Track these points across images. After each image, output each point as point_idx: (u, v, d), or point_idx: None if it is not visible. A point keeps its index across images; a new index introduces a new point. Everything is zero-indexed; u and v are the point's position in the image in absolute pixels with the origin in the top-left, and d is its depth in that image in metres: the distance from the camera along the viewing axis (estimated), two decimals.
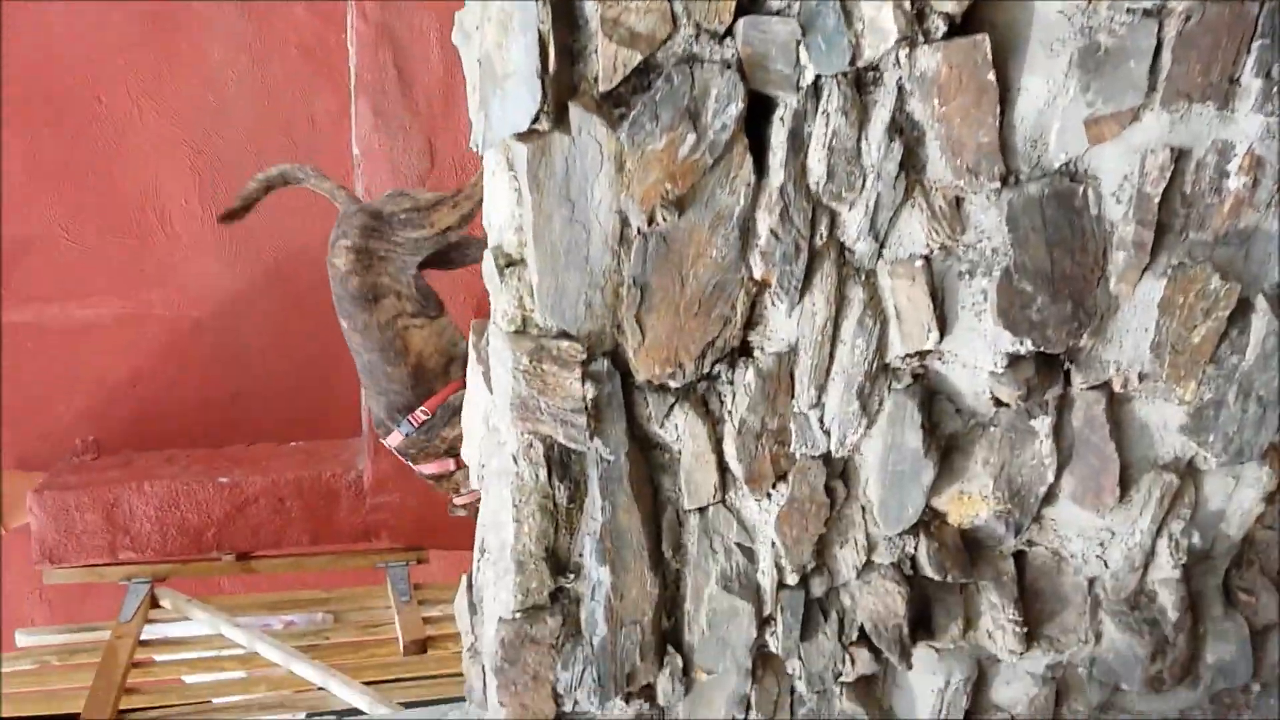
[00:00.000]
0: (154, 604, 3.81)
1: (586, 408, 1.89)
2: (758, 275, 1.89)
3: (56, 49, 3.84)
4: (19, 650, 3.61)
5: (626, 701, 2.15)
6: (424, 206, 2.88)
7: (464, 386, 2.29)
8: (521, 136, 1.76)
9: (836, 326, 1.95)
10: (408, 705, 3.24)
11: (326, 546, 4.04)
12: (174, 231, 4.04)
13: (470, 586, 2.32)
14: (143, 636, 3.62)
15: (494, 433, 2.02)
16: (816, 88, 1.79)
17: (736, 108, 1.76)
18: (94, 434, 4.12)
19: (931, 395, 2.03)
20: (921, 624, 2.22)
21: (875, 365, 1.97)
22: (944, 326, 1.95)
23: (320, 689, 3.35)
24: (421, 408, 2.94)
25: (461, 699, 3.23)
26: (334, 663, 3.47)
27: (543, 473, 1.96)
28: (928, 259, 1.91)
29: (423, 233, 2.86)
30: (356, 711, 3.27)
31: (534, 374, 1.87)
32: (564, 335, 1.88)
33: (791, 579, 2.11)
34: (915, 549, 2.14)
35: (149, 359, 4.13)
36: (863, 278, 1.93)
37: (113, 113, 3.93)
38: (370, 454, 3.89)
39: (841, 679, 2.22)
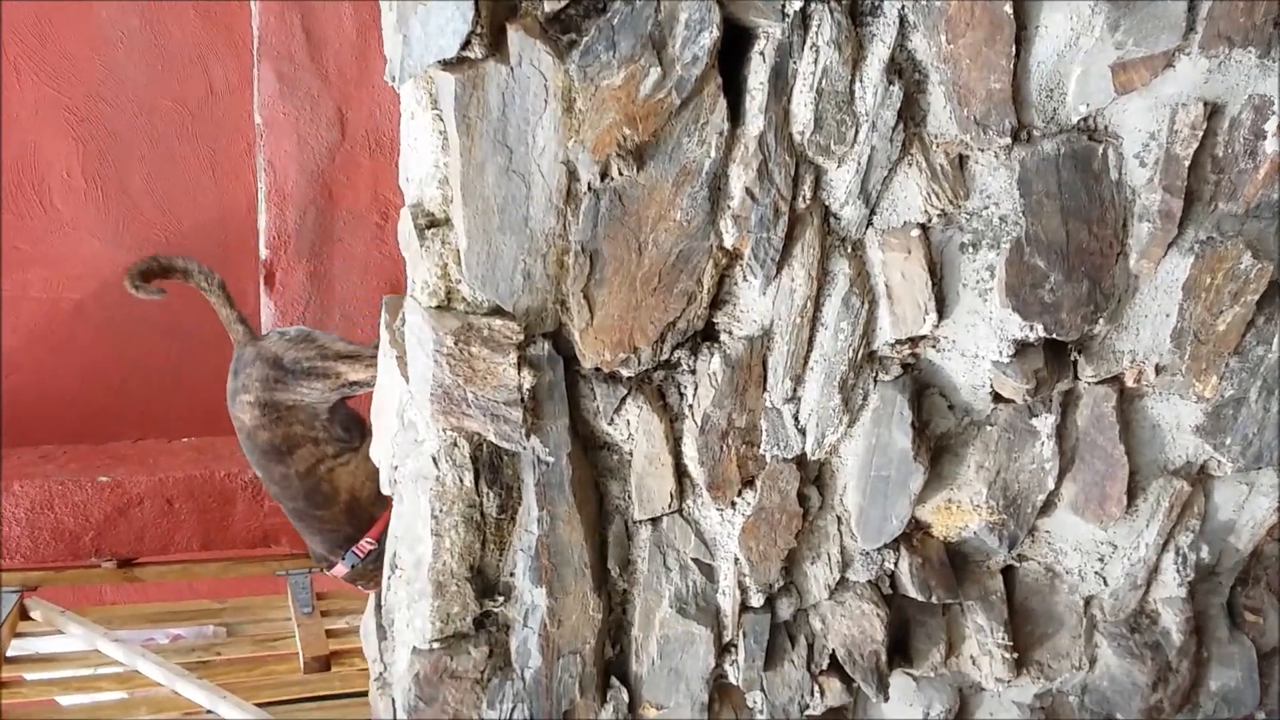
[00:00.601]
0: (23, 615, 3.33)
1: (523, 399, 1.52)
2: (729, 243, 1.55)
3: None
4: None
5: None
6: (331, 356, 2.53)
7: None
8: (448, 65, 1.39)
9: (818, 307, 1.61)
10: None
11: (220, 552, 3.59)
12: (53, 206, 3.56)
13: (379, 607, 1.94)
14: (9, 653, 3.16)
15: (409, 429, 1.65)
16: (805, 16, 1.45)
17: (710, 36, 1.41)
18: None
19: (922, 389, 1.71)
20: (898, 649, 1.90)
21: (860, 353, 1.64)
22: (942, 308, 1.62)
23: (209, 713, 2.92)
24: (366, 538, 2.67)
25: None
26: (226, 682, 3.05)
27: (468, 477, 1.59)
28: (925, 228, 1.59)
29: (328, 383, 2.52)
30: None
31: (460, 359, 1.50)
32: (497, 312, 1.51)
33: (756, 600, 1.77)
34: (896, 565, 1.82)
35: (24, 345, 3.64)
36: (849, 249, 1.60)
37: None
38: None
39: (808, 712, 1.89)
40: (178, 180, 3.60)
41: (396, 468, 1.75)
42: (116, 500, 3.43)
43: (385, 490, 1.86)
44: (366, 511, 2.67)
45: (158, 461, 3.54)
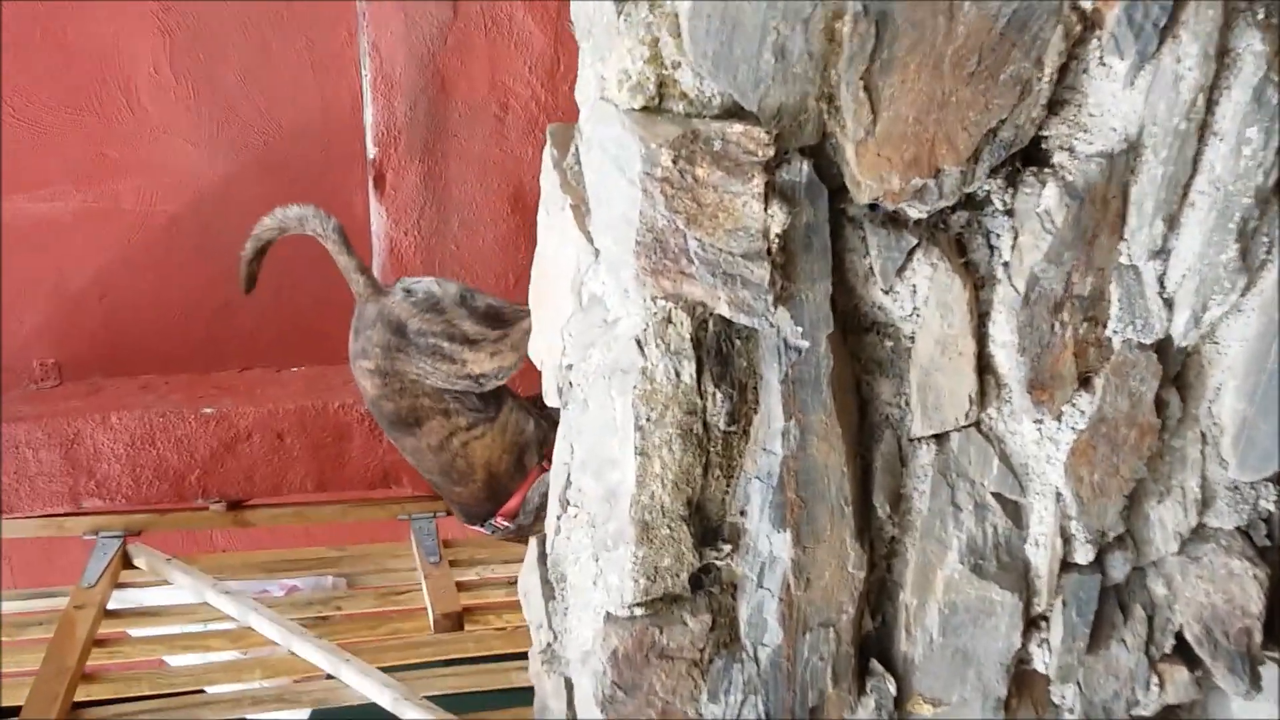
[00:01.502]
0: (126, 564, 2.96)
1: (770, 250, 1.00)
2: (1087, 1, 0.99)
3: None
4: None
5: None
6: (458, 338, 2.25)
7: (543, 472, 2.16)
8: None
9: (1210, 104, 1.05)
10: (441, 701, 2.39)
11: (336, 494, 3.16)
12: (141, 107, 3.13)
13: (544, 557, 1.46)
14: (111, 605, 2.78)
15: (593, 308, 1.14)
16: None
17: None
18: (54, 355, 3.25)
19: None
20: (1268, 628, 1.34)
21: (1273, 178, 1.07)
22: None
23: (328, 677, 2.50)
24: (501, 520, 2.52)
25: (513, 694, 2.39)
26: (347, 641, 2.62)
27: (688, 369, 1.07)
28: None
29: (452, 368, 2.27)
30: (377, 708, 2.42)
31: (680, 185, 0.97)
32: (734, 113, 0.98)
33: (1083, 554, 1.22)
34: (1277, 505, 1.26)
35: (118, 264, 3.24)
36: (1260, 16, 1.03)
37: None
38: None
39: (1136, 711, 1.34)
40: (274, 74, 3.14)
41: (570, 366, 1.24)
42: (223, 434, 3.01)
43: (551, 401, 1.36)
44: (505, 487, 2.48)
45: (266, 392, 3.12)
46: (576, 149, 1.14)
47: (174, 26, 3.13)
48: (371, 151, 3.00)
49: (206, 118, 3.19)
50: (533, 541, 1.55)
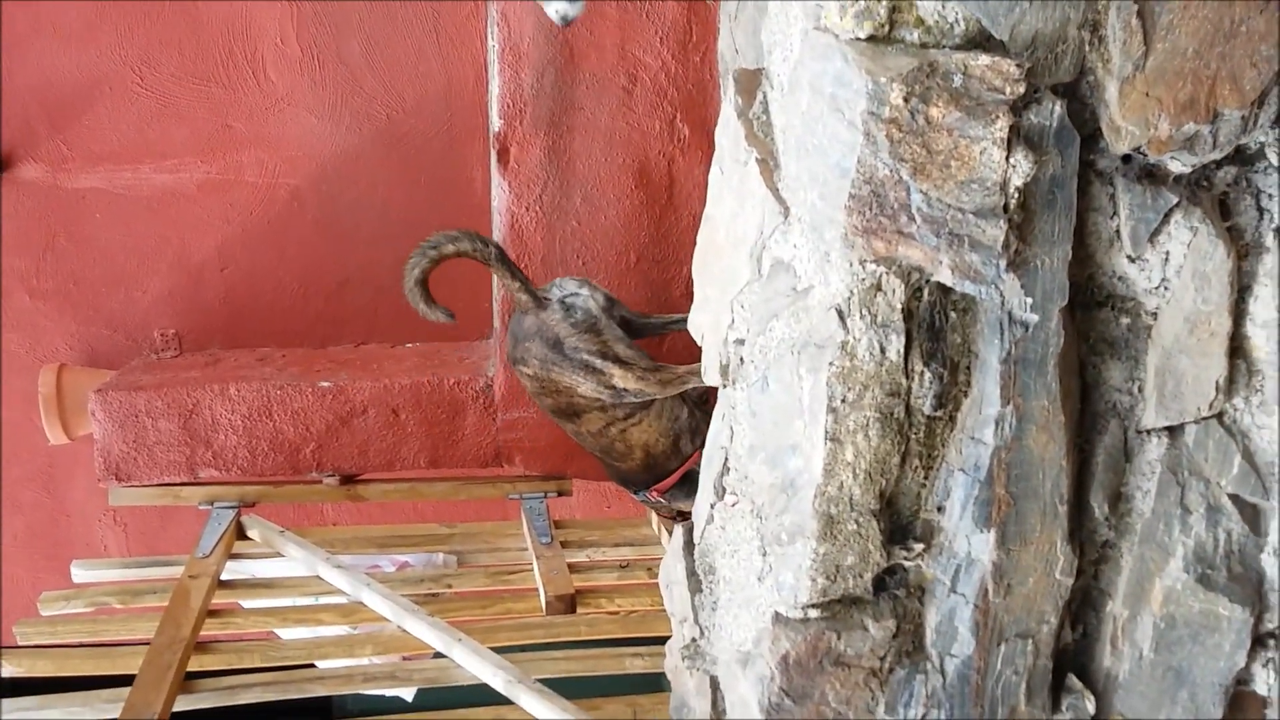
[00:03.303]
0: (240, 535, 2.89)
1: (1008, 206, 0.84)
2: None
3: None
4: (73, 588, 2.73)
5: None
6: (611, 357, 2.35)
7: (699, 462, 2.07)
8: None
9: None
10: (553, 685, 2.27)
11: (448, 471, 3.06)
12: (267, 79, 3.05)
13: (690, 545, 1.31)
14: (224, 575, 2.71)
15: (777, 275, 0.99)
16: None
17: None
18: (174, 326, 3.19)
19: None
20: None
21: None
22: None
23: (438, 655, 2.39)
24: (655, 494, 2.60)
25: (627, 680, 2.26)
26: (458, 620, 2.51)
27: (896, 344, 0.91)
28: None
29: (594, 380, 2.37)
30: (486, 689, 2.31)
31: (909, 128, 0.82)
32: (978, 43, 0.82)
33: None
34: None
35: (240, 236, 3.17)
36: None
37: None
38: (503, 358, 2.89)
39: None
40: (399, 45, 3.04)
41: (742, 341, 1.09)
42: (338, 409, 2.93)
43: (712, 379, 1.21)
44: (663, 466, 2.54)
45: (382, 367, 3.03)
46: (765, 97, 0.99)
47: None
48: (496, 124, 2.87)
49: (331, 90, 3.10)
50: (678, 529, 1.41)
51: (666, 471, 2.55)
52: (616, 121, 2.90)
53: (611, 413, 2.45)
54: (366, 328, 3.27)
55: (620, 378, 2.36)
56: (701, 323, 1.21)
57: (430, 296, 2.41)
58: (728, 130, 1.05)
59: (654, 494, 2.59)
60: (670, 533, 2.22)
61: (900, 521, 1.01)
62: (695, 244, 1.25)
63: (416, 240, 3.19)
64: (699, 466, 1.79)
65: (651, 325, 2.50)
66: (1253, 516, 1.04)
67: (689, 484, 2.47)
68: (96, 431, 2.94)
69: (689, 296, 1.39)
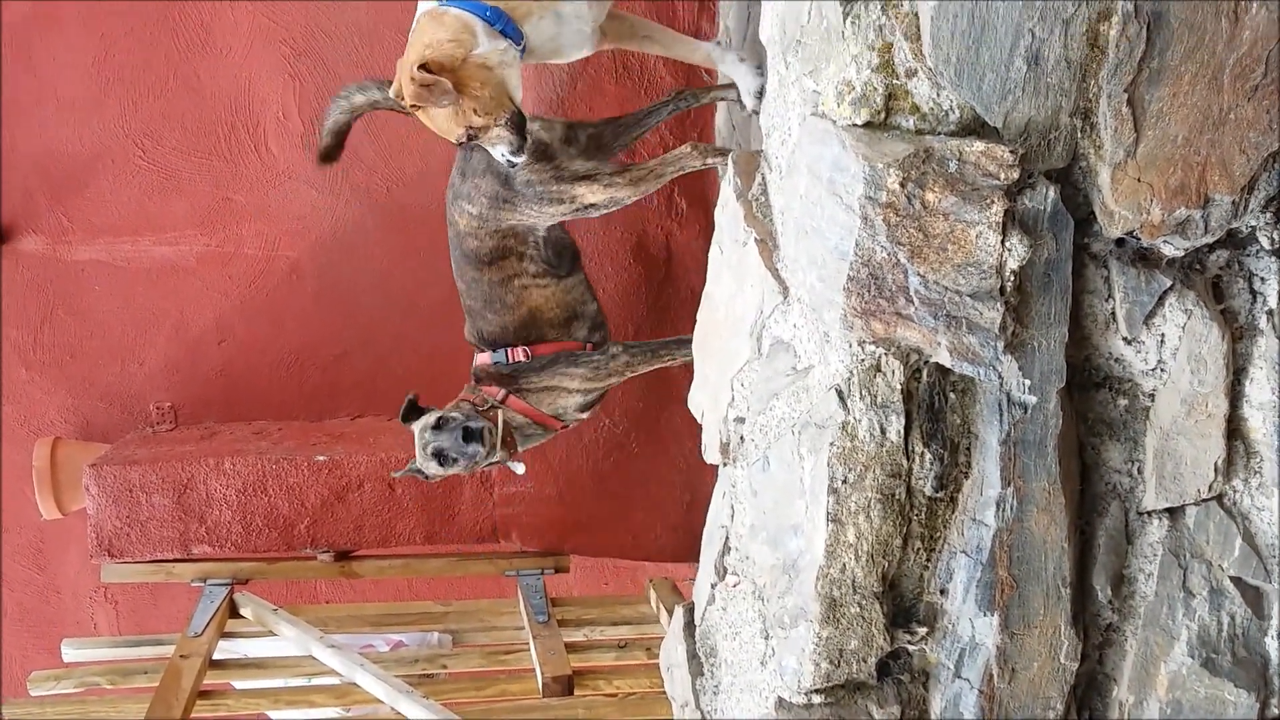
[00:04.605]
0: (233, 613, 2.87)
1: (1004, 288, 0.86)
2: None
3: None
4: (63, 667, 2.71)
5: None
6: (568, 178, 2.29)
7: (581, 350, 2.27)
8: None
9: None
10: None
11: (445, 547, 3.04)
12: (269, 152, 3.11)
13: (691, 626, 1.31)
14: (215, 655, 2.68)
15: (778, 355, 1.00)
16: None
17: None
18: (171, 399, 3.20)
19: None
20: None
21: None
22: None
23: None
24: (525, 348, 2.49)
25: None
26: (453, 701, 2.49)
27: (896, 425, 0.93)
28: None
29: (560, 208, 2.31)
30: None
31: (906, 212, 0.84)
32: (973, 129, 0.85)
33: None
34: None
35: (239, 309, 3.20)
36: None
37: (198, 3, 3.01)
38: None
39: None
40: (399, 120, 3.09)
41: (742, 419, 1.11)
42: (334, 483, 2.93)
43: (711, 458, 1.22)
44: (539, 331, 2.48)
45: (379, 441, 3.03)
46: (764, 178, 1.02)
47: (304, 72, 3.09)
48: None
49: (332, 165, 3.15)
50: (678, 610, 1.41)
51: (540, 337, 2.50)
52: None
53: (525, 265, 2.42)
54: (364, 400, 3.28)
55: (587, 193, 2.30)
56: (701, 400, 1.22)
57: (340, 147, 2.43)
58: (727, 210, 1.07)
59: (518, 354, 2.50)
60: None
61: (903, 604, 1.02)
62: (693, 316, 1.27)
63: (416, 313, 3.23)
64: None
65: (625, 125, 2.42)
66: (1255, 599, 1.04)
67: (550, 373, 2.46)
68: (90, 506, 2.93)
69: (685, 370, 1.40)
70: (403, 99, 1.93)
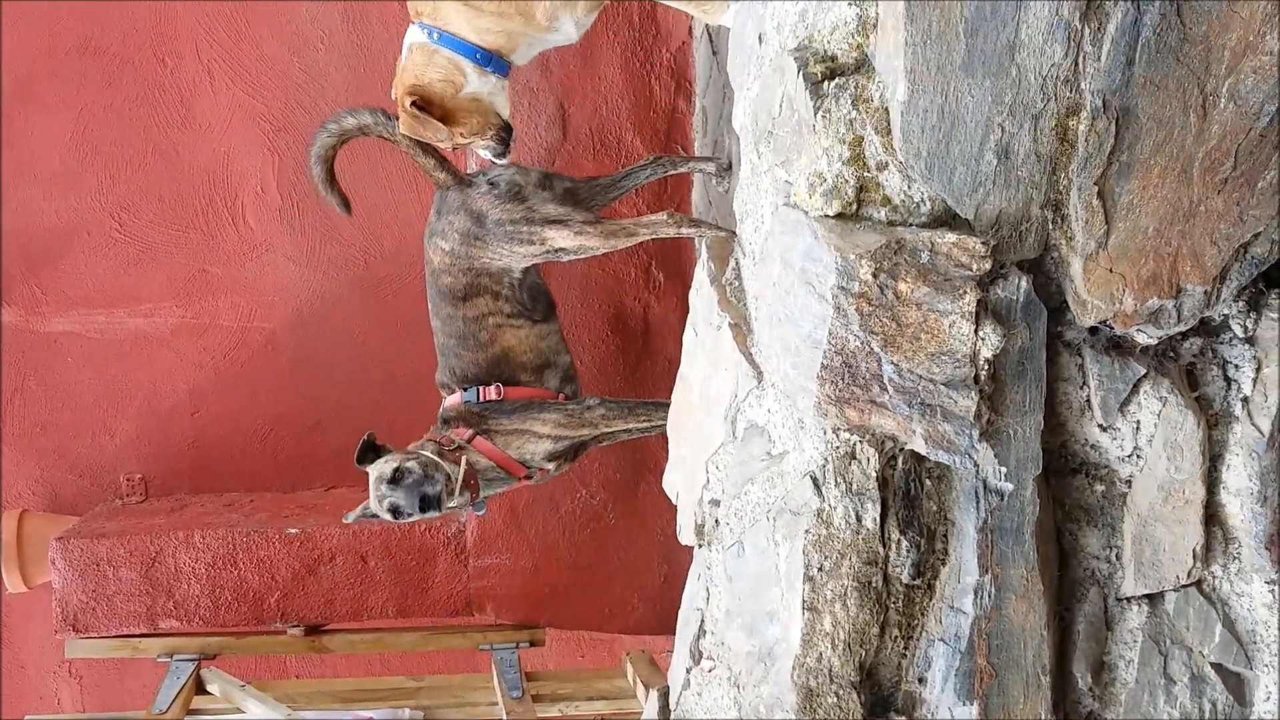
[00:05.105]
0: (199, 689, 2.80)
1: (979, 377, 0.85)
2: None
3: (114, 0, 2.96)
4: None
5: None
6: (539, 221, 2.28)
7: (554, 399, 2.30)
8: None
9: None
10: None
11: (417, 620, 2.99)
12: (246, 225, 3.09)
13: (666, 711, 1.28)
14: None
15: (752, 439, 0.99)
16: None
17: None
18: (141, 470, 3.15)
19: None
20: None
21: None
22: None
23: None
24: (497, 385, 2.46)
25: None
26: None
27: (872, 513, 0.91)
28: None
29: (531, 249, 2.30)
30: None
31: (878, 302, 0.83)
32: (944, 221, 0.85)
33: None
34: None
35: (212, 380, 3.16)
36: None
37: (178, 79, 3.01)
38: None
39: None
40: (377, 193, 3.09)
41: (717, 502, 1.09)
42: (306, 556, 2.88)
43: (686, 540, 1.20)
44: (512, 374, 2.47)
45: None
46: (737, 263, 1.01)
47: (283, 147, 3.10)
48: None
49: (309, 236, 3.14)
50: (652, 694, 1.38)
51: (512, 379, 2.47)
52: (592, 268, 2.95)
53: (500, 305, 2.41)
54: (339, 471, 3.23)
55: (558, 237, 2.28)
56: (676, 481, 1.21)
57: (333, 177, 2.41)
58: (701, 294, 1.07)
59: (490, 393, 2.45)
60: None
61: (881, 693, 0.99)
62: (670, 387, 1.26)
63: (392, 384, 3.20)
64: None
65: (602, 186, 2.42)
66: (1237, 686, 1.03)
67: (522, 418, 2.41)
68: (56, 580, 2.87)
69: (663, 440, 1.39)
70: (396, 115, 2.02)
